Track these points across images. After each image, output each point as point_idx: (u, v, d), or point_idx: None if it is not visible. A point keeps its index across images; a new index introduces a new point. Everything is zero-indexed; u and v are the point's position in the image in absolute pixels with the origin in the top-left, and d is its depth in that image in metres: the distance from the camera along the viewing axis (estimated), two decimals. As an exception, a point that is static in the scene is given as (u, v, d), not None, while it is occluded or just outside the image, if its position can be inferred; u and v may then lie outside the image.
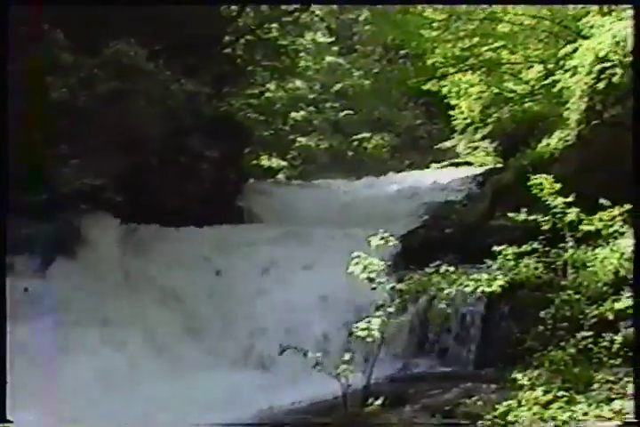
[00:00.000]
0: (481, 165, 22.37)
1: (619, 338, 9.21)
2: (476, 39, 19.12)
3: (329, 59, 31.89)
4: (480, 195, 17.12)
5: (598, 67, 12.63)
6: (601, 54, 12.45)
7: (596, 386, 8.56)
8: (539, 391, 8.37)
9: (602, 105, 12.83)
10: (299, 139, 31.33)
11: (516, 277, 10.14)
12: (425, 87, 21.54)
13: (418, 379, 11.72)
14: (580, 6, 15.75)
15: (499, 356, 11.14)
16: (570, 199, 10.13)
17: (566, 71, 13.99)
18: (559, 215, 10.14)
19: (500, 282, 9.62)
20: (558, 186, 10.31)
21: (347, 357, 9.19)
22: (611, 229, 10.16)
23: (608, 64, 12.48)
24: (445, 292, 9.89)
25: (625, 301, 9.44)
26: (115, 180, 15.18)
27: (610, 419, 7.74)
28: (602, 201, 10.23)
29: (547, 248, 10.31)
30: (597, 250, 10.23)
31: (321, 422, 9.37)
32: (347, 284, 10.20)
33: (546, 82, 16.67)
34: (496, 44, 18.90)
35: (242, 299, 14.29)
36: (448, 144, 25.45)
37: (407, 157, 30.61)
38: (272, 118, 28.01)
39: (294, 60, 25.29)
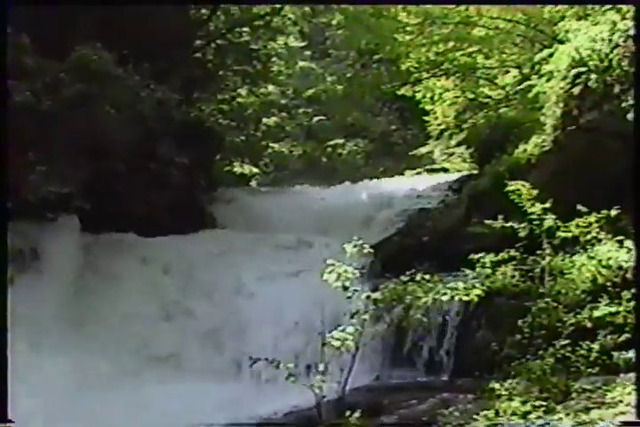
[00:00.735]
0: (457, 172, 22.41)
1: (596, 346, 9.24)
2: (450, 43, 19.23)
3: (301, 63, 31.92)
4: (456, 201, 17.15)
5: (574, 71, 12.71)
6: (577, 59, 12.53)
7: (574, 395, 8.59)
8: (517, 401, 8.38)
9: (578, 110, 12.91)
10: (271, 145, 31.27)
11: (493, 286, 10.14)
12: (399, 92, 21.65)
13: (393, 389, 11.73)
14: (557, 8, 15.83)
15: (476, 365, 11.14)
16: (547, 205, 10.16)
17: (542, 76, 14.07)
18: (536, 222, 10.15)
19: (478, 291, 9.60)
20: (536, 192, 10.34)
21: (321, 367, 9.16)
22: (588, 236, 10.19)
23: (584, 69, 12.56)
24: (421, 301, 9.86)
25: (603, 308, 9.49)
26: (82, 188, 15.09)
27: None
28: (579, 207, 10.26)
29: (524, 255, 10.32)
30: (575, 257, 10.25)
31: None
32: (321, 293, 10.19)
33: (521, 87, 16.79)
34: (471, 49, 19.04)
35: (211, 313, 14.33)
36: (423, 150, 25.49)
37: (382, 164, 30.63)
38: (244, 124, 27.97)
39: (266, 65, 25.28)
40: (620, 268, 9.99)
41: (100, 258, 15.40)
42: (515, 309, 10.65)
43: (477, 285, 9.72)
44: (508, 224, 10.48)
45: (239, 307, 14.53)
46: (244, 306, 14.51)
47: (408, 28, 19.36)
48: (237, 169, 28.73)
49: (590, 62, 12.38)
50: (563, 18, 14.63)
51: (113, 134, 15.21)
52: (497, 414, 8.31)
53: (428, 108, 21.53)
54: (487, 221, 10.90)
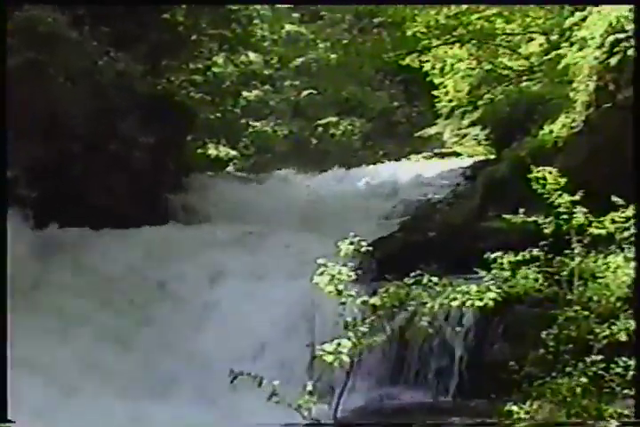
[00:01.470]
0: (470, 156, 22.45)
1: (633, 363, 9.24)
2: (464, 5, 19.19)
3: (289, 27, 31.83)
4: (469, 191, 17.18)
5: (611, 38, 12.70)
6: (614, 24, 12.51)
7: (607, 420, 8.58)
8: (539, 427, 8.41)
9: (614, 84, 12.90)
10: (252, 123, 31.26)
11: (512, 290, 10.14)
12: (404, 62, 21.63)
13: (394, 411, 11.73)
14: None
15: (491, 384, 11.14)
16: (577, 197, 10.15)
17: (573, 44, 14.05)
18: (564, 216, 10.15)
19: (493, 295, 9.61)
20: (563, 181, 10.32)
21: (309, 385, 9.15)
22: (625, 233, 10.18)
23: (622, 35, 12.54)
24: (427, 307, 9.86)
25: (642, 318, 9.50)
26: (29, 172, 15.04)
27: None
28: (614, 199, 10.25)
29: (549, 256, 10.31)
30: (609, 258, 10.24)
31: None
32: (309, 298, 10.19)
33: (548, 57, 16.76)
34: (489, 12, 18.98)
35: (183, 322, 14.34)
36: (431, 131, 25.49)
37: (382, 147, 30.65)
38: (220, 98, 27.88)
39: (247, 29, 25.20)
40: (664, 271, 9.98)
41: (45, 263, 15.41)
42: (538, 318, 10.66)
43: (493, 288, 9.72)
44: (531, 219, 10.47)
45: (206, 317, 14.55)
46: (214, 315, 14.53)
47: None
48: (212, 151, 28.71)
49: (629, 28, 12.35)
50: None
51: (66, 109, 15.16)
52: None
53: (437, 81, 21.51)
54: (506, 215, 10.90)
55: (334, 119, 32.13)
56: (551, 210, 10.27)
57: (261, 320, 14.03)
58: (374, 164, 24.58)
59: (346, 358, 8.99)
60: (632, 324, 9.46)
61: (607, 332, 9.49)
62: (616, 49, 12.61)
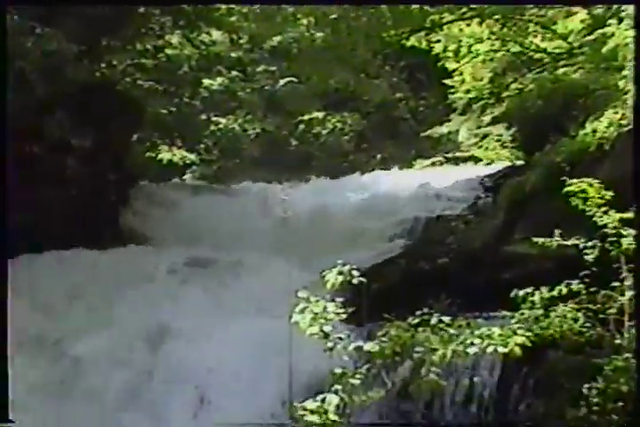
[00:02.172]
0: (492, 162, 22.52)
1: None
2: (485, -29, 19.31)
3: (262, -2, 32.00)
4: (491, 207, 17.25)
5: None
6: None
7: None
8: None
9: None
10: (215, 119, 31.30)
11: (544, 333, 10.19)
12: (408, 43, 21.65)
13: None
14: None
15: (518, 453, 11.21)
16: (629, 215, 10.19)
17: (622, 20, 14.12)
18: (611, 239, 10.19)
19: (521, 340, 9.64)
20: (609, 194, 10.36)
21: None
22: (689, 261, 10.24)
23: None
24: (438, 354, 9.89)
25: None
26: None
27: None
28: (674, 218, 10.31)
29: (592, 289, 10.35)
30: (668, 292, 10.31)
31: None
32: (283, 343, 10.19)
33: (592, 37, 16.82)
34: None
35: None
36: (443, 130, 25.59)
37: (380, 149, 30.77)
38: (175, 88, 27.96)
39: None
40: None
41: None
42: (578, 368, 10.67)
43: (521, 331, 9.74)
44: (569, 242, 10.51)
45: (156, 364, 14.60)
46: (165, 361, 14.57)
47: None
48: (165, 155, 28.75)
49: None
50: None
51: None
52: None
53: (450, 66, 21.58)
54: (537, 238, 10.93)
55: (320, 115, 32.24)
56: (595, 231, 10.31)
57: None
58: (370, 171, 24.62)
59: (334, 417, 9.01)
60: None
61: (666, 386, 9.54)
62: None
